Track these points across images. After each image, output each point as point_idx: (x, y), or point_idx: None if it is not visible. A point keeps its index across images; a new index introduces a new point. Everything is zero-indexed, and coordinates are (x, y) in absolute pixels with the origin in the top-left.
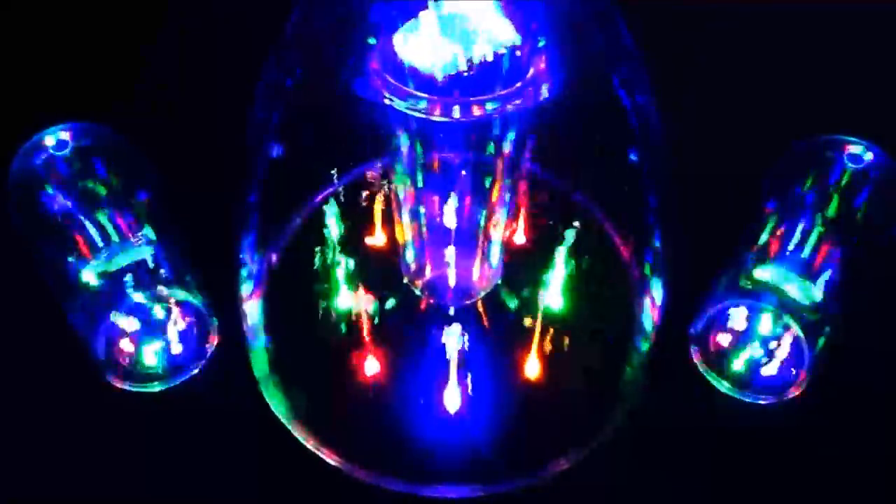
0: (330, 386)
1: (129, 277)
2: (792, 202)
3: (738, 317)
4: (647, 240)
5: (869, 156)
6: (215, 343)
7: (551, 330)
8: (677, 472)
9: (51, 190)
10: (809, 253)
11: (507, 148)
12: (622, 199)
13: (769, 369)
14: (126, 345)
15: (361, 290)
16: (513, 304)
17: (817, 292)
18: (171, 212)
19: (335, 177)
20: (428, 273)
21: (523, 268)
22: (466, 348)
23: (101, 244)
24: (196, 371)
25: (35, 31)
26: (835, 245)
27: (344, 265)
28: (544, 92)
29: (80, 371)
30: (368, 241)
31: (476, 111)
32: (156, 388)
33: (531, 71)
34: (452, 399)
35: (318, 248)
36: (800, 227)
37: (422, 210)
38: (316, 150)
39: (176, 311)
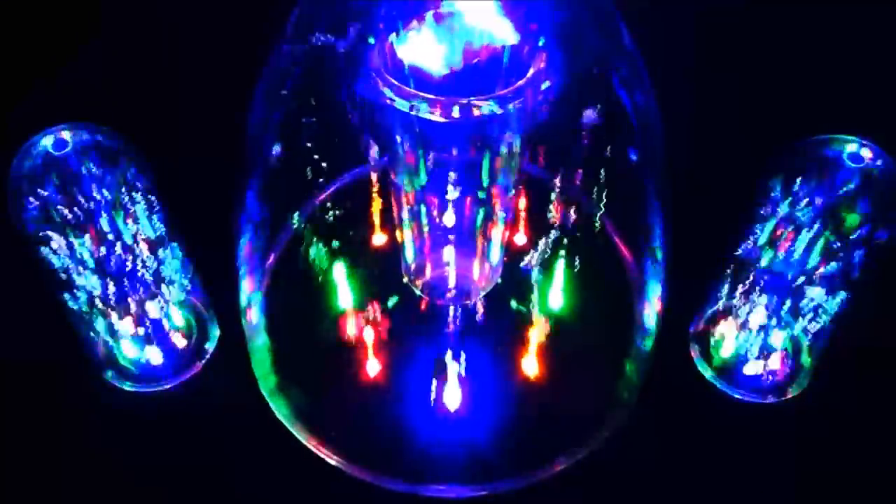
0: (330, 386)
1: (128, 277)
2: (792, 201)
3: (738, 316)
4: (647, 240)
5: (869, 155)
6: (215, 343)
7: (551, 330)
8: (677, 471)
9: (51, 190)
10: (809, 252)
11: (506, 148)
12: (622, 199)
13: (768, 369)
14: (126, 345)
15: (361, 290)
16: (513, 303)
17: (817, 292)
18: (171, 212)
19: None
20: (428, 273)
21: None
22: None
23: (100, 244)
24: (196, 371)
25: (35, 30)
26: (834, 244)
27: (344, 265)
28: (544, 92)
29: (80, 371)
30: (368, 240)
31: (476, 111)
32: (156, 387)
33: (531, 71)
34: (452, 399)
35: (318, 248)
36: (800, 227)
37: (422, 210)
38: (316, 150)
39: (176, 310)
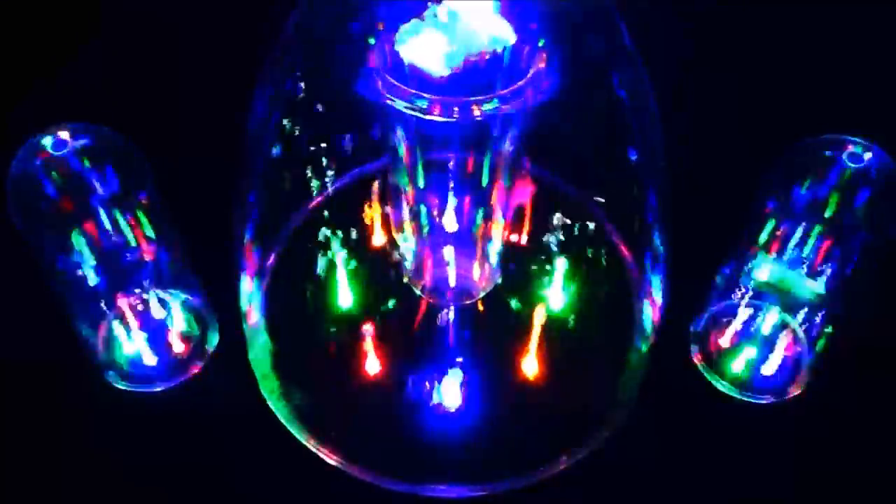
0: (330, 386)
1: (128, 277)
2: (792, 201)
3: (738, 316)
4: (647, 240)
5: (869, 155)
6: (215, 343)
7: (551, 330)
8: (677, 471)
9: (51, 190)
10: (809, 252)
11: (506, 148)
12: (622, 199)
13: (769, 369)
14: (126, 345)
15: (361, 290)
16: (513, 303)
17: (817, 292)
18: (171, 212)
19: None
20: (428, 273)
21: (523, 268)
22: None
23: (100, 244)
24: (196, 371)
25: (35, 30)
26: (834, 244)
27: (344, 265)
28: (544, 92)
29: (80, 371)
30: (368, 241)
31: (476, 111)
32: (156, 388)
33: (531, 71)
34: (452, 398)
35: (318, 248)
36: (800, 227)
37: (422, 210)
38: (316, 150)
39: (176, 311)
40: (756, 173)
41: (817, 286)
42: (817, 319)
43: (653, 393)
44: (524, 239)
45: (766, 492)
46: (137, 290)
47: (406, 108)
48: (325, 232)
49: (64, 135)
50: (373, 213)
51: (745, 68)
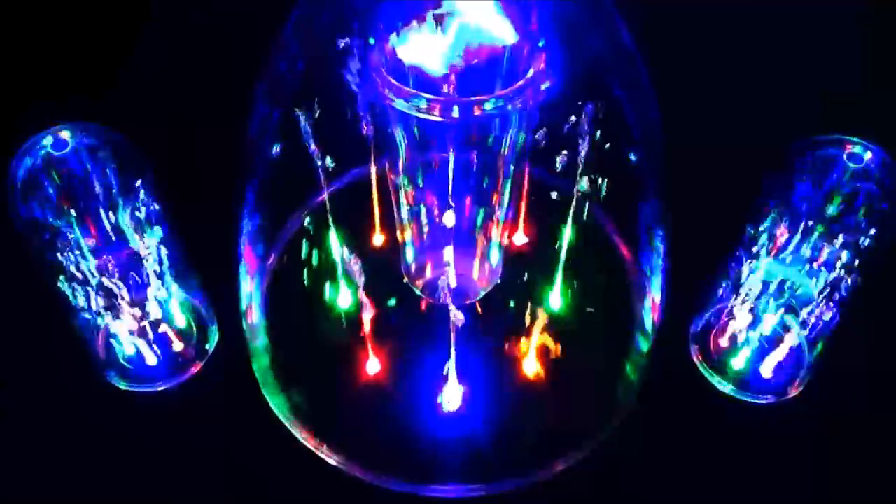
0: (330, 386)
1: (128, 277)
2: (792, 202)
3: (738, 316)
4: (647, 240)
5: (869, 155)
6: (215, 343)
7: (551, 330)
8: (677, 472)
9: (51, 190)
10: (809, 253)
11: (506, 147)
12: (622, 199)
13: (768, 369)
14: (126, 345)
15: (361, 290)
16: (513, 303)
17: (817, 292)
18: (171, 212)
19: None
20: (428, 273)
21: (523, 268)
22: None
23: (100, 244)
24: (196, 371)
25: (35, 30)
26: (834, 245)
27: (343, 265)
28: (544, 92)
29: (80, 371)
30: (368, 241)
31: (476, 111)
32: (156, 388)
33: (531, 71)
34: (452, 398)
35: (318, 248)
36: (800, 227)
37: (422, 210)
38: (316, 150)
39: (176, 310)
40: (756, 173)
41: (816, 286)
42: (817, 319)
43: (653, 393)
44: (524, 239)
45: (765, 492)
46: (137, 290)
47: (406, 107)
48: (324, 232)
49: (64, 135)
50: (372, 214)
51: (744, 68)
